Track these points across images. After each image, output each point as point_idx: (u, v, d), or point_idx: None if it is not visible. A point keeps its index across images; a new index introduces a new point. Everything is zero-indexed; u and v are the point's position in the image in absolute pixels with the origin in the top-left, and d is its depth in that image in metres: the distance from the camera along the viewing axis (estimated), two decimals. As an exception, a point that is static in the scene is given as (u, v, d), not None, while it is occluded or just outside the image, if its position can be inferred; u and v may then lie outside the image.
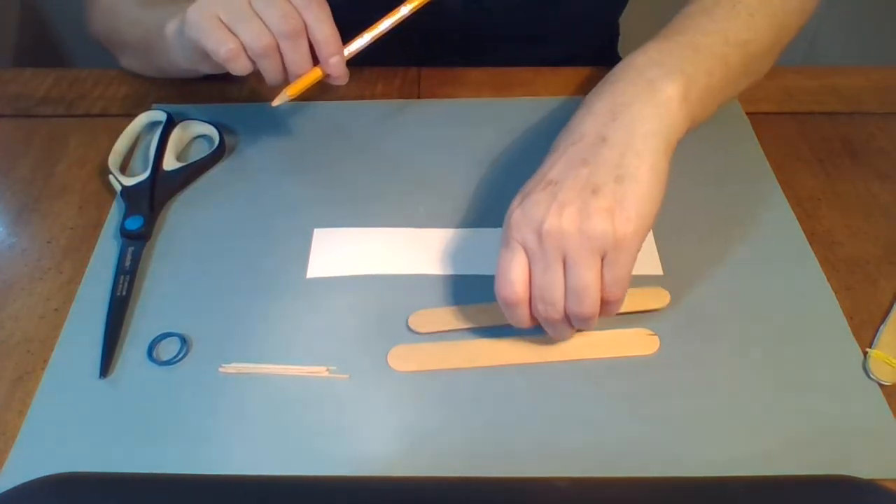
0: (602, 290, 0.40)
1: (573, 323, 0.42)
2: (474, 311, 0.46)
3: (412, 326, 0.46)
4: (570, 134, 0.42)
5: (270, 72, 0.48)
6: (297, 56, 0.48)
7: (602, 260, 0.39)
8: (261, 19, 0.46)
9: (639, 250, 0.40)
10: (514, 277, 0.40)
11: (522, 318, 0.42)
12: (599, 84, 0.44)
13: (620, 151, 0.40)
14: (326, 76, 0.50)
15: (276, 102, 0.51)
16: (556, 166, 0.41)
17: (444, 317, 0.46)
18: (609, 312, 0.42)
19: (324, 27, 0.47)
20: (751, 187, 0.55)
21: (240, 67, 0.47)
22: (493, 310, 0.44)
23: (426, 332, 0.46)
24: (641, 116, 0.41)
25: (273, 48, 0.47)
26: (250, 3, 0.47)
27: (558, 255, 0.39)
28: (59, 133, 0.60)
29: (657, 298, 0.47)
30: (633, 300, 0.46)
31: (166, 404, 0.42)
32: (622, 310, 0.42)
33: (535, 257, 0.40)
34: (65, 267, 0.50)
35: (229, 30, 0.46)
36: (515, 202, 0.41)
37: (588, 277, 0.39)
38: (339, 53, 0.49)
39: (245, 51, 0.47)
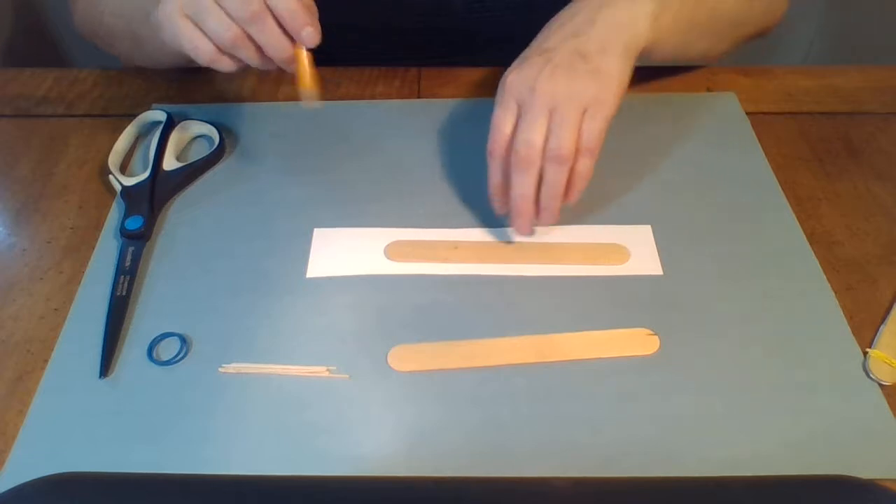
0: (579, 139, 0.45)
1: (546, 175, 0.46)
2: (445, 246, 0.50)
3: (390, 255, 0.49)
4: (563, 14, 0.50)
5: (250, 60, 0.47)
6: (267, 38, 0.46)
7: (583, 114, 0.45)
8: (222, 9, 0.45)
9: (614, 113, 0.46)
10: (507, 130, 0.46)
11: (496, 175, 0.48)
12: None
13: (606, 32, 0.47)
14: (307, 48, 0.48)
15: (306, 104, 0.49)
16: (552, 38, 0.48)
17: (419, 249, 0.50)
18: (581, 171, 0.46)
19: (285, 2, 0.45)
20: (751, 187, 0.55)
21: (225, 67, 0.47)
22: (464, 247, 0.49)
23: (400, 261, 0.49)
24: (622, 15, 0.48)
25: (242, 37, 0.46)
26: None
27: (546, 108, 0.45)
28: (59, 133, 0.60)
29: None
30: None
31: (166, 404, 0.42)
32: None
33: (525, 108, 0.45)
34: (65, 267, 0.50)
35: (196, 26, 0.46)
36: (512, 67, 0.48)
37: (571, 119, 0.45)
38: (310, 24, 0.46)
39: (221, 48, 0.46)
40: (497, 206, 0.50)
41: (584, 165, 0.46)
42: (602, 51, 0.46)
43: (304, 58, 0.48)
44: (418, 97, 0.63)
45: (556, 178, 0.46)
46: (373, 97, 0.63)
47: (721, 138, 0.59)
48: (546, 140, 0.45)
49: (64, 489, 0.36)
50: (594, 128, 0.45)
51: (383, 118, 0.61)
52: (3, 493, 0.36)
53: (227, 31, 0.45)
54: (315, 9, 0.47)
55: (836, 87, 0.64)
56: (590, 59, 0.46)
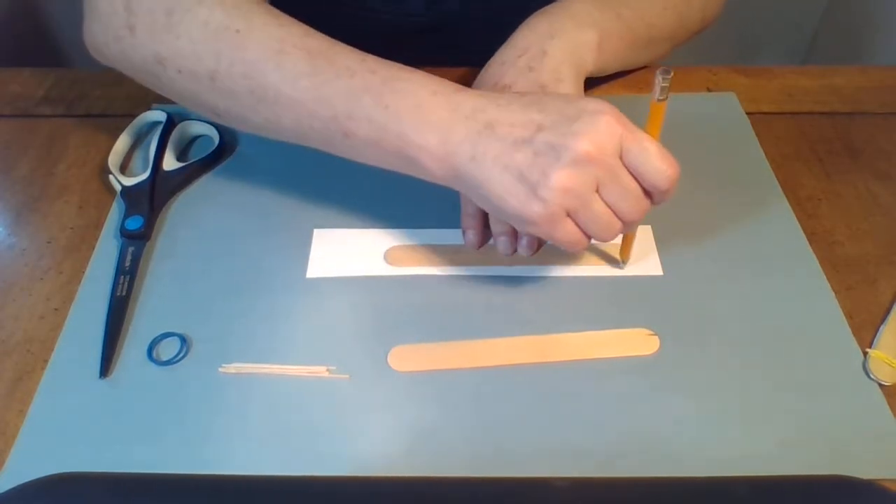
0: None
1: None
2: (445, 251, 0.50)
3: (389, 260, 0.49)
4: (515, 47, 0.51)
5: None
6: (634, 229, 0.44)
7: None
8: (614, 212, 0.41)
9: None
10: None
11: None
12: (538, 12, 0.53)
13: (558, 62, 0.49)
14: None
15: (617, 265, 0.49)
16: (508, 73, 0.50)
17: (419, 254, 0.50)
18: None
19: (666, 196, 0.41)
20: (751, 187, 0.55)
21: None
22: (465, 251, 0.50)
23: (400, 266, 0.49)
24: (569, 45, 0.51)
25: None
26: (599, 192, 0.40)
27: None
28: (59, 133, 0.60)
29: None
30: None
31: (166, 404, 0.42)
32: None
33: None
34: (65, 267, 0.50)
35: (576, 224, 0.41)
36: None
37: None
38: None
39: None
40: (470, 236, 0.49)
41: None
42: (557, 80, 0.49)
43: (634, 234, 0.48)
44: (418, 97, 0.63)
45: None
46: (373, 97, 0.63)
47: (721, 138, 0.59)
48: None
49: (64, 489, 0.36)
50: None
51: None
52: (4, 492, 0.36)
53: (610, 233, 0.41)
54: None
55: (836, 87, 0.64)
56: (547, 89, 0.48)
